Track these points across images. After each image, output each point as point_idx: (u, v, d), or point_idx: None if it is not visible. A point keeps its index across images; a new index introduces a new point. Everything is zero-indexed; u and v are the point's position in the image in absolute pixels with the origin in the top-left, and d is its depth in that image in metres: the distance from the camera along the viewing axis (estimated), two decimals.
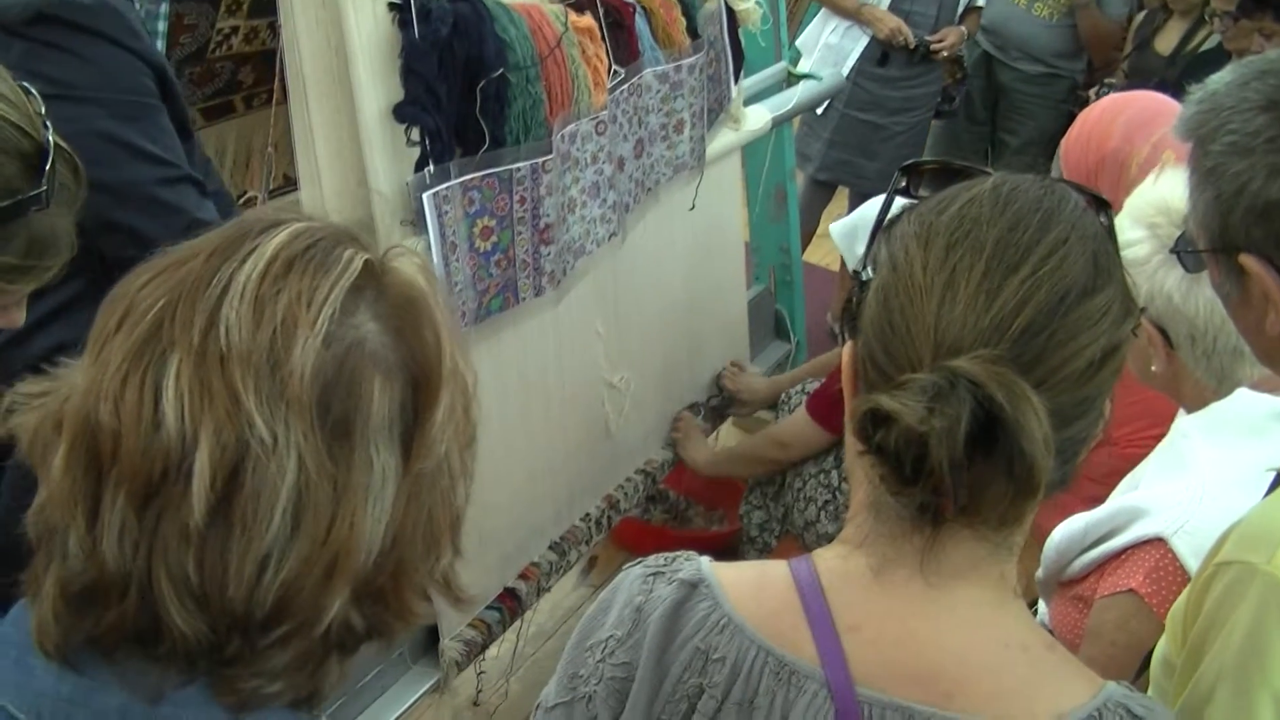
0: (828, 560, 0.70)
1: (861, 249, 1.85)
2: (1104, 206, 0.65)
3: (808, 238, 3.19)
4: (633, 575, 0.74)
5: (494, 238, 1.36)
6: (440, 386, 0.55)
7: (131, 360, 0.51)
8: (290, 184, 1.68)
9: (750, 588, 0.70)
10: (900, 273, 0.63)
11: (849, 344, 0.68)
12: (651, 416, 1.98)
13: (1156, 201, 1.04)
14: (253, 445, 0.50)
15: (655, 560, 0.75)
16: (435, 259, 1.29)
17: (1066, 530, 1.07)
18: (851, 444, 0.64)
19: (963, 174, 0.69)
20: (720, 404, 2.12)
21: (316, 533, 0.51)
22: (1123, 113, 1.56)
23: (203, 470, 0.50)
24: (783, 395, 2.06)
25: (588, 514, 1.81)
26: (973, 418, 0.57)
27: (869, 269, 0.66)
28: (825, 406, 1.81)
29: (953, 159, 0.71)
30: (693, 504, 2.38)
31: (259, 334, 0.51)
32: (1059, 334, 0.60)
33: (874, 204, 1.85)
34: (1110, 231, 0.65)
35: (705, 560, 0.73)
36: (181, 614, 0.51)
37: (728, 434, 2.50)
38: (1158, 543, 0.98)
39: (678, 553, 0.75)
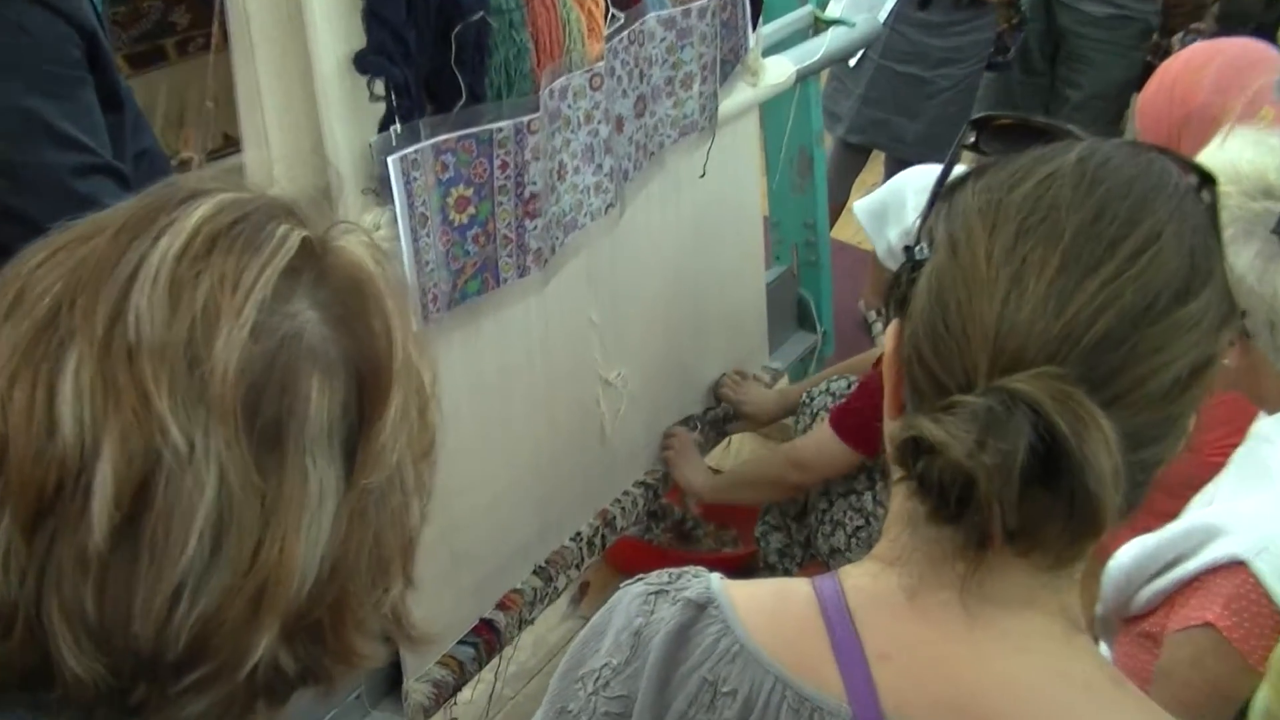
0: (856, 579, 0.70)
1: (892, 232, 1.88)
2: (1208, 182, 0.65)
3: (836, 211, 3.19)
4: (631, 594, 0.74)
5: (471, 209, 1.36)
6: (390, 386, 0.55)
7: (22, 354, 0.50)
8: (232, 145, 1.68)
9: (767, 610, 0.71)
10: (961, 259, 0.63)
11: (895, 328, 0.68)
12: (653, 419, 1.98)
13: (1224, 167, 1.02)
14: (165, 455, 0.49)
15: (658, 577, 0.75)
16: (402, 234, 1.28)
17: (1131, 555, 1.06)
18: (890, 456, 0.65)
19: (1043, 133, 0.68)
20: (720, 416, 2.13)
21: (240, 559, 0.51)
22: (1212, 61, 1.55)
23: (105, 484, 0.49)
24: (804, 396, 2.06)
25: (578, 533, 1.82)
26: (1031, 451, 0.57)
27: (924, 246, 0.66)
28: (855, 421, 1.79)
29: (1028, 114, 0.70)
30: (701, 522, 2.39)
31: (175, 324, 0.51)
32: (1141, 346, 0.60)
33: (908, 176, 1.84)
34: (1213, 216, 0.64)
35: (715, 577, 0.74)
36: (76, 654, 0.50)
37: (742, 443, 2.51)
38: (1237, 567, 0.97)
39: (684, 569, 0.75)
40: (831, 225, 2.85)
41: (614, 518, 1.87)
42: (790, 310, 2.55)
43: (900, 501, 0.69)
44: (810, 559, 2.05)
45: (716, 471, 2.04)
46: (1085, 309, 0.59)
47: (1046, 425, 0.56)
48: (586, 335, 1.73)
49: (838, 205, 3.18)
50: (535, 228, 1.45)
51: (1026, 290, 0.60)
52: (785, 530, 2.09)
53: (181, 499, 0.50)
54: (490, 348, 1.52)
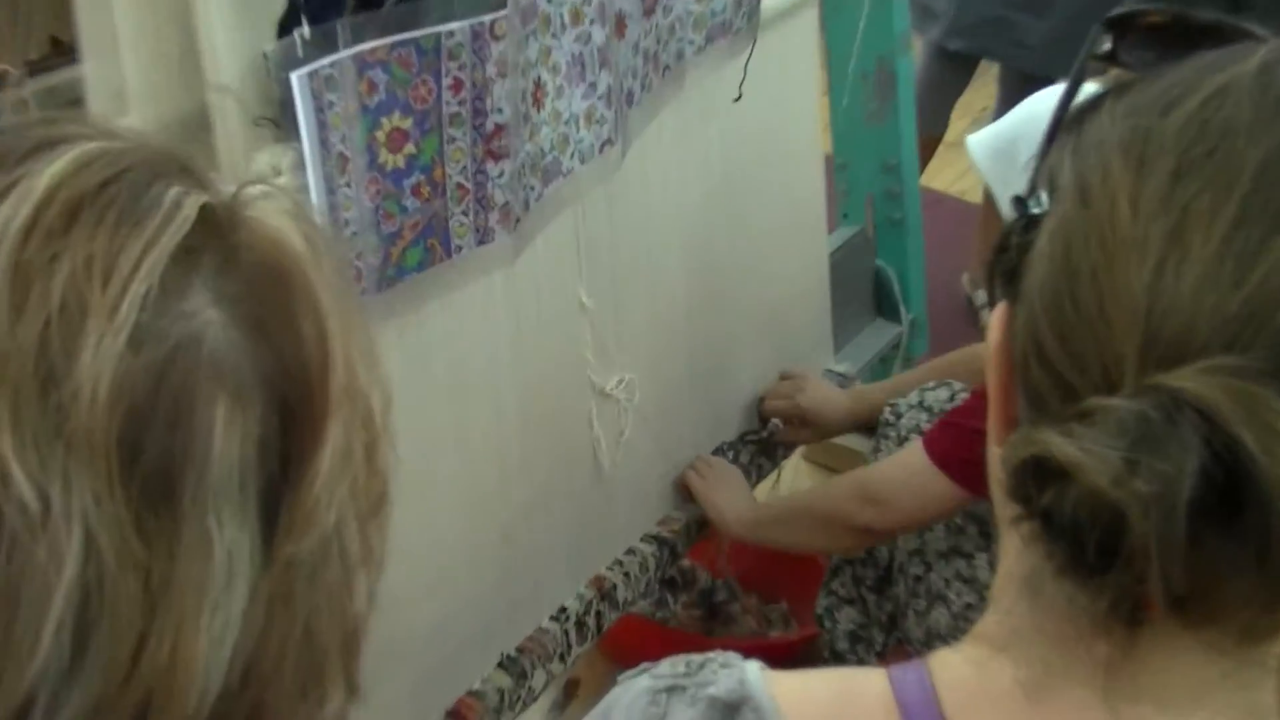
0: (954, 670, 0.71)
1: (1024, 170, 1.84)
2: None
3: (930, 148, 3.21)
4: (634, 691, 0.76)
5: (410, 148, 1.37)
6: (327, 416, 0.56)
7: None
8: (64, 53, 1.68)
9: (825, 714, 0.72)
10: (1095, 210, 0.63)
11: (1001, 312, 0.68)
12: (668, 446, 1.99)
13: None
14: (8, 515, 0.50)
15: (671, 667, 0.77)
16: (311, 184, 1.29)
17: None
18: (1000, 498, 0.65)
19: (1210, 35, 0.68)
20: (767, 440, 2.15)
21: (115, 662, 0.51)
22: None
23: None
24: (887, 412, 2.08)
25: (563, 609, 1.83)
26: (1204, 476, 0.57)
27: (1042, 195, 0.67)
28: (961, 445, 1.78)
29: (1191, 9, 0.70)
30: (738, 592, 2.40)
31: (20, 328, 0.51)
32: None
33: (1043, 98, 1.85)
34: None
35: (753, 667, 0.75)
36: None
37: (797, 478, 2.52)
38: None
39: (709, 655, 0.77)
40: (923, 168, 2.87)
41: (614, 587, 1.88)
42: (864, 290, 2.57)
43: (1015, 557, 0.70)
44: (895, 647, 2.07)
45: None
46: (1276, 275, 0.59)
47: (1224, 439, 0.56)
48: (575, 327, 1.73)
49: (931, 139, 3.20)
50: (501, 174, 1.45)
51: (1191, 250, 0.60)
52: (859, 604, 2.10)
53: (30, 577, 0.50)
54: (438, 346, 1.53)
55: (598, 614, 1.86)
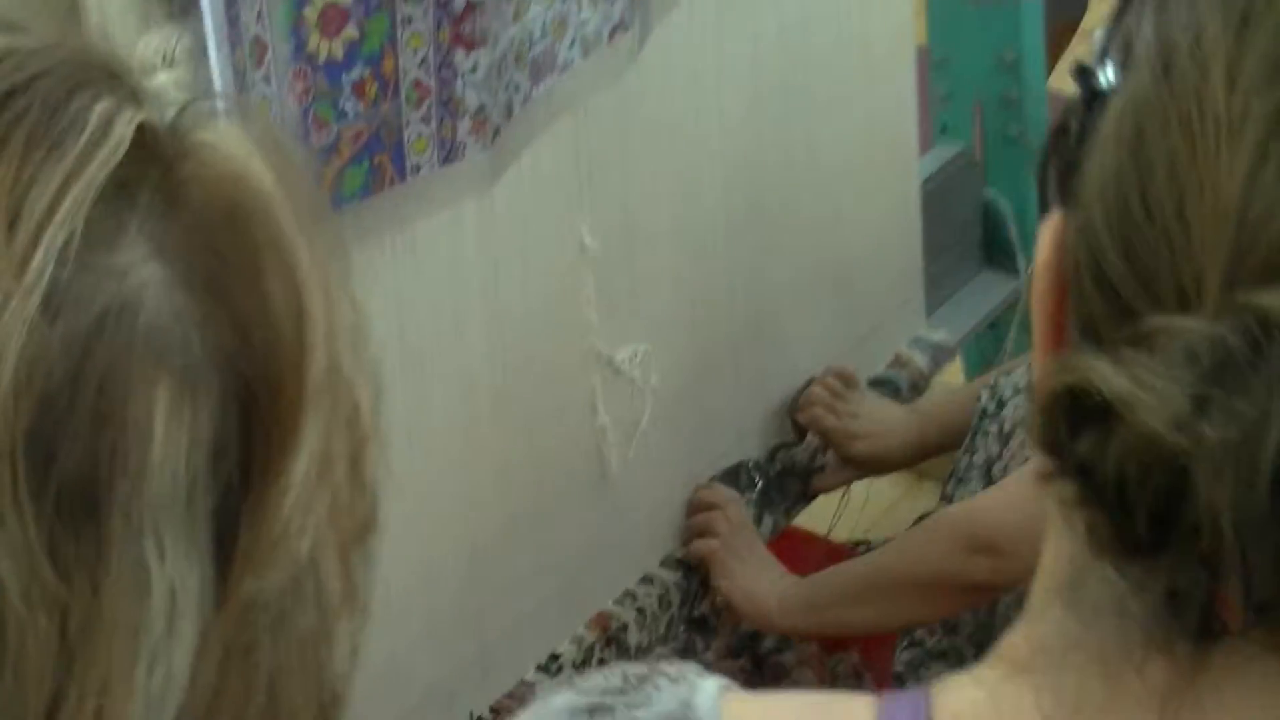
0: (960, 695, 0.72)
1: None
2: None
3: (1063, 37, 3.19)
4: (551, 710, 0.77)
5: (351, 31, 1.37)
6: (302, 410, 0.56)
7: None
8: None
9: None
10: (1181, 83, 0.63)
11: (1053, 222, 0.68)
12: (699, 442, 1.99)
13: None
14: None
15: (603, 680, 0.78)
16: (216, 78, 1.29)
17: None
18: (1035, 460, 0.65)
19: None
20: (803, 461, 2.14)
21: None
22: None
23: None
24: (984, 395, 2.07)
25: (554, 656, 1.83)
26: None
27: (1109, 66, 0.67)
28: None
29: None
30: (788, 643, 2.40)
31: None
32: None
33: None
34: None
35: (709, 686, 0.76)
36: None
37: (873, 486, 2.50)
38: None
39: (658, 666, 0.78)
40: (1052, 66, 2.85)
41: (623, 628, 1.88)
42: (969, 230, 2.56)
43: (1055, 548, 0.70)
44: None
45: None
46: None
47: None
48: (575, 278, 1.74)
49: (1066, 26, 3.18)
50: (475, 68, 1.46)
51: None
52: (953, 659, 2.08)
53: None
54: (388, 301, 1.53)
55: (601, 664, 1.84)
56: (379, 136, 1.43)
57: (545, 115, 1.60)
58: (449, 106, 1.47)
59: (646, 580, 1.94)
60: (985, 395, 2.06)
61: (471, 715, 1.75)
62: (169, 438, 0.54)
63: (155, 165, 0.56)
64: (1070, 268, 0.66)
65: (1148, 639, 0.65)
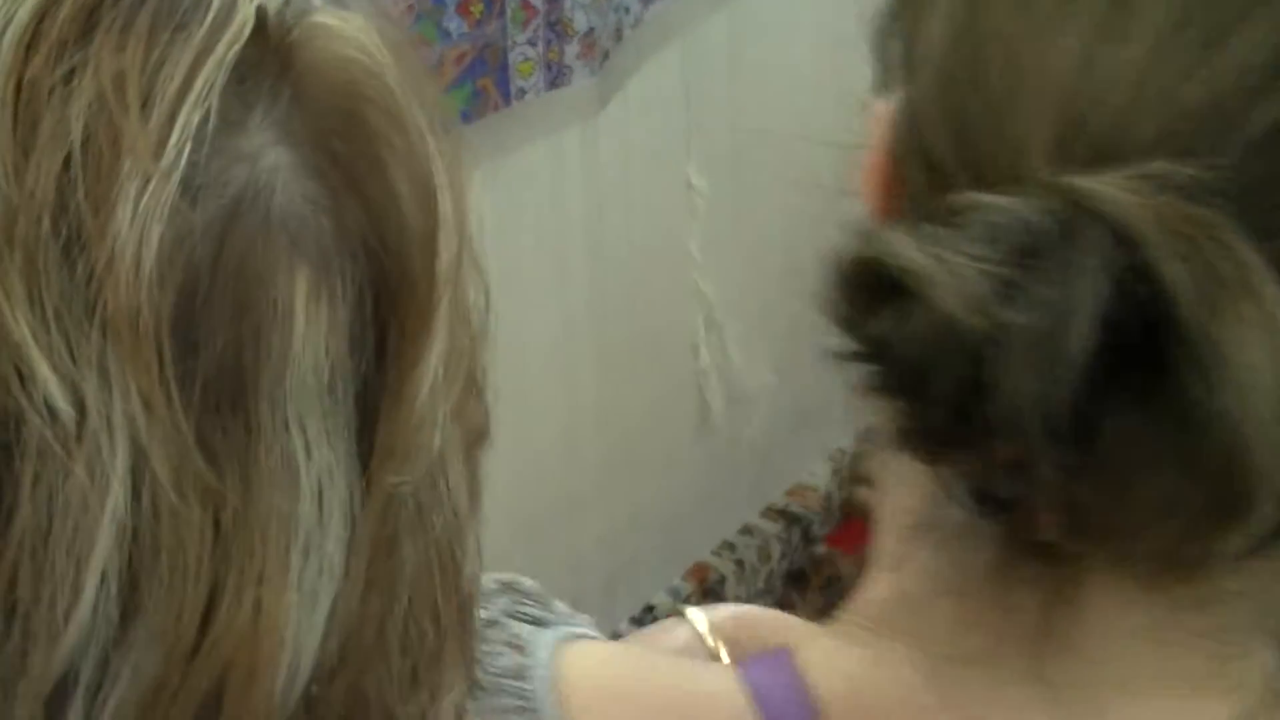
0: (835, 670, 0.70)
1: None
2: None
3: None
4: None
5: None
6: (434, 300, 0.57)
7: None
8: None
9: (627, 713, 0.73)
10: None
11: (887, 103, 0.67)
12: (805, 390, 1.97)
13: None
14: (29, 421, 0.51)
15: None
16: None
17: None
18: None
19: None
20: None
21: (178, 625, 0.53)
22: None
23: None
24: None
25: (649, 608, 1.85)
26: (1107, 321, 0.55)
27: None
28: None
29: None
30: None
31: (29, 174, 0.52)
32: None
33: None
34: None
35: (548, 640, 0.75)
36: None
37: None
38: None
39: (538, 601, 0.79)
40: None
41: (720, 580, 1.90)
42: None
43: (902, 497, 0.68)
44: None
45: None
46: (1255, 58, 0.59)
47: (1144, 273, 0.55)
48: (679, 213, 1.74)
49: None
50: None
51: (1143, 13, 0.60)
52: None
53: (64, 507, 0.52)
54: (488, 231, 1.52)
55: None
56: (483, 58, 1.43)
57: (655, 40, 1.61)
58: (557, 28, 1.47)
59: (746, 531, 1.95)
60: None
61: None
62: (309, 325, 0.54)
63: (275, 48, 0.56)
64: (898, 144, 0.65)
65: (1002, 566, 0.64)
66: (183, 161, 0.53)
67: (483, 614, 0.75)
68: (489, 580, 0.77)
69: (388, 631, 0.58)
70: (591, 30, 1.49)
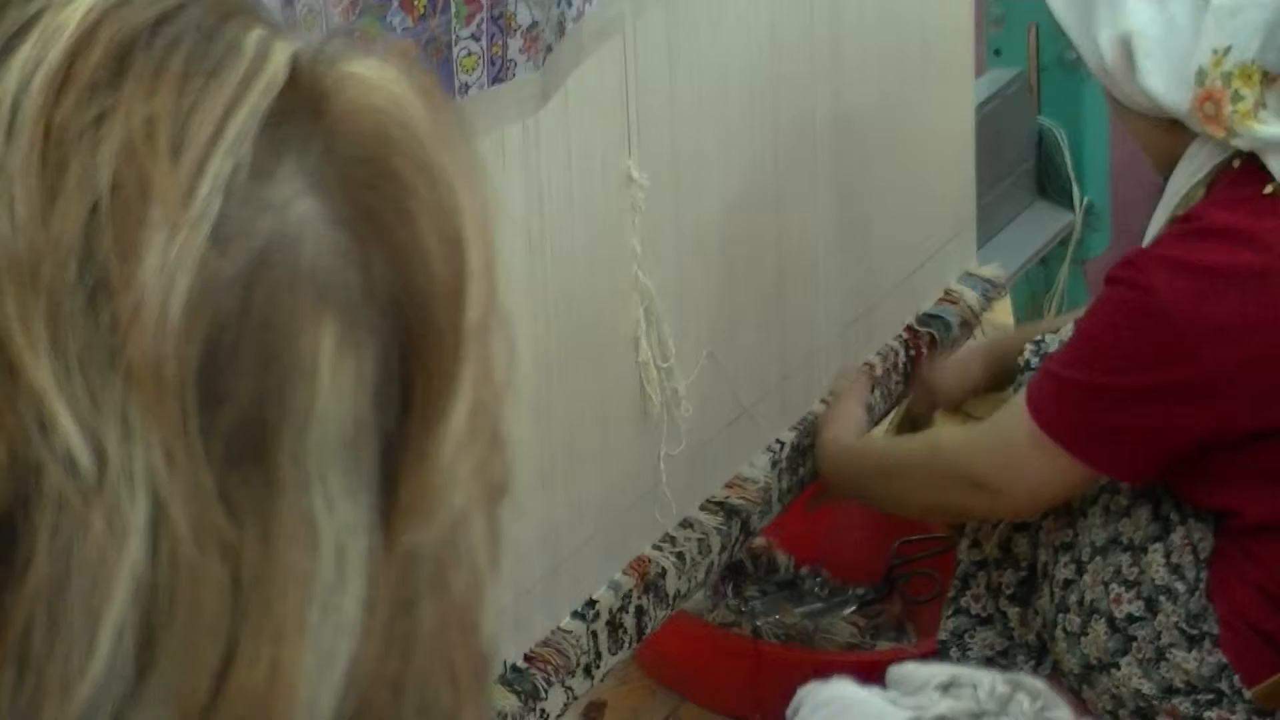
0: None
1: (1103, 34, 1.90)
2: None
3: None
4: (860, 706, 0.80)
5: None
6: (460, 356, 0.57)
7: None
8: None
9: None
10: None
11: None
12: (743, 380, 2.00)
13: None
14: (49, 472, 0.51)
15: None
16: None
17: None
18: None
19: None
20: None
21: (194, 680, 0.53)
22: None
23: None
24: (1027, 350, 2.10)
25: (591, 602, 1.84)
26: None
27: None
28: (1068, 403, 1.84)
29: None
30: (832, 583, 2.43)
31: (55, 218, 0.52)
32: None
33: None
34: None
35: None
36: None
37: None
38: None
39: (985, 671, 0.78)
40: None
41: (661, 574, 1.88)
42: (1022, 160, 2.56)
43: None
44: (1050, 679, 2.07)
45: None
46: None
47: None
48: (620, 207, 1.74)
49: None
50: None
51: None
52: (999, 623, 2.12)
53: (82, 559, 0.51)
54: None
55: (638, 611, 1.86)
56: (427, 54, 1.42)
57: (596, 35, 1.60)
58: (500, 22, 1.46)
59: (686, 525, 1.94)
60: (1029, 350, 2.09)
61: (506, 664, 1.77)
62: (335, 379, 0.54)
63: (306, 97, 0.56)
64: None
65: None
66: (213, 211, 0.52)
67: None
68: (999, 683, 0.75)
69: (404, 692, 0.57)
70: (535, 24, 1.48)
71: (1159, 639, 1.90)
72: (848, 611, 2.42)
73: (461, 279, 0.56)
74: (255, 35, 0.56)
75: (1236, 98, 1.75)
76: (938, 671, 0.78)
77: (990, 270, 2.37)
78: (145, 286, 0.51)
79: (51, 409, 0.51)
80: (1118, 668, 1.92)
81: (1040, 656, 2.07)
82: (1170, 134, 1.86)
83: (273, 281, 0.53)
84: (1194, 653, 1.88)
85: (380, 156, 0.56)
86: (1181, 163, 1.86)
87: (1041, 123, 2.56)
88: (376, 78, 0.57)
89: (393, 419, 0.56)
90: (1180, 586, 1.89)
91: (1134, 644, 1.91)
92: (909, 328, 2.24)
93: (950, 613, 2.15)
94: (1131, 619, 1.91)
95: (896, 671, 0.79)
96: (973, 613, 2.12)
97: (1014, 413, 1.89)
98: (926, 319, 2.26)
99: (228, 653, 0.53)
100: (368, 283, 0.55)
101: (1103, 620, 1.93)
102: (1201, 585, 1.89)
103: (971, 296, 2.30)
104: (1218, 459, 1.83)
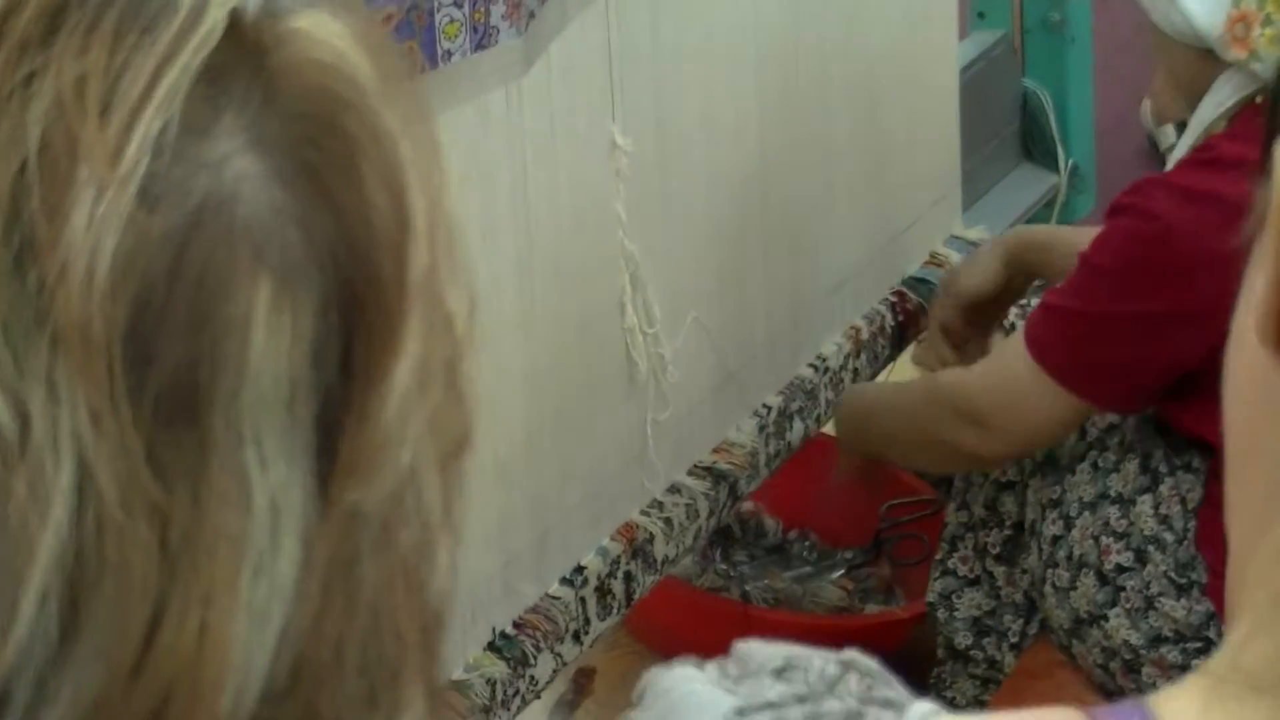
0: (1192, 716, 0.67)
1: None
2: None
3: None
4: (712, 714, 0.75)
5: None
6: (404, 312, 0.56)
7: None
8: None
9: None
10: None
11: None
12: (729, 345, 2.00)
13: None
14: None
15: (783, 687, 0.75)
16: None
17: None
18: (1242, 408, 0.64)
19: None
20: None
21: (120, 644, 0.52)
22: None
23: None
24: (1014, 312, 2.13)
25: (579, 569, 1.85)
26: None
27: None
28: (1069, 336, 1.84)
29: None
30: (821, 547, 2.44)
31: None
32: None
33: None
34: None
35: (919, 711, 0.72)
36: None
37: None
38: None
39: (841, 657, 0.74)
40: None
41: (649, 539, 1.89)
42: (1007, 123, 2.57)
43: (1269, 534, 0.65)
44: (1037, 638, 2.10)
45: None
46: None
47: None
48: (604, 173, 1.74)
49: None
50: None
51: None
52: (986, 583, 2.14)
53: (4, 525, 0.51)
54: None
55: (627, 576, 1.87)
56: (409, 21, 1.41)
57: (580, 0, 1.61)
58: None
59: (674, 490, 1.94)
60: (1015, 314, 2.12)
61: (494, 630, 1.77)
62: (270, 338, 0.53)
63: (248, 53, 0.55)
64: None
65: None
66: (141, 169, 0.52)
67: (838, 705, 0.72)
68: (830, 664, 0.73)
69: (344, 651, 0.57)
70: None
71: (1148, 588, 1.91)
72: (836, 575, 2.43)
73: (405, 235, 0.56)
74: None
75: (1268, 21, 1.74)
76: (774, 654, 0.76)
77: (976, 233, 2.37)
78: (72, 246, 0.51)
79: None
80: (1106, 619, 1.93)
81: (1029, 615, 2.09)
82: (1202, 64, 1.85)
83: (206, 240, 0.53)
84: (1182, 601, 1.89)
85: (323, 112, 0.56)
86: (1208, 95, 1.85)
87: (1026, 85, 2.56)
88: (321, 32, 0.57)
89: (334, 378, 0.55)
90: (1169, 536, 1.91)
91: (1123, 594, 1.92)
92: (896, 290, 2.25)
93: (938, 574, 2.16)
94: (1120, 569, 1.92)
95: (742, 649, 0.76)
96: (960, 574, 2.14)
97: (1013, 348, 1.89)
98: (913, 282, 2.27)
99: (156, 615, 0.52)
100: (307, 240, 0.55)
101: (1092, 573, 1.94)
102: (1190, 534, 1.90)
103: (958, 259, 2.30)
104: (1209, 388, 1.83)
